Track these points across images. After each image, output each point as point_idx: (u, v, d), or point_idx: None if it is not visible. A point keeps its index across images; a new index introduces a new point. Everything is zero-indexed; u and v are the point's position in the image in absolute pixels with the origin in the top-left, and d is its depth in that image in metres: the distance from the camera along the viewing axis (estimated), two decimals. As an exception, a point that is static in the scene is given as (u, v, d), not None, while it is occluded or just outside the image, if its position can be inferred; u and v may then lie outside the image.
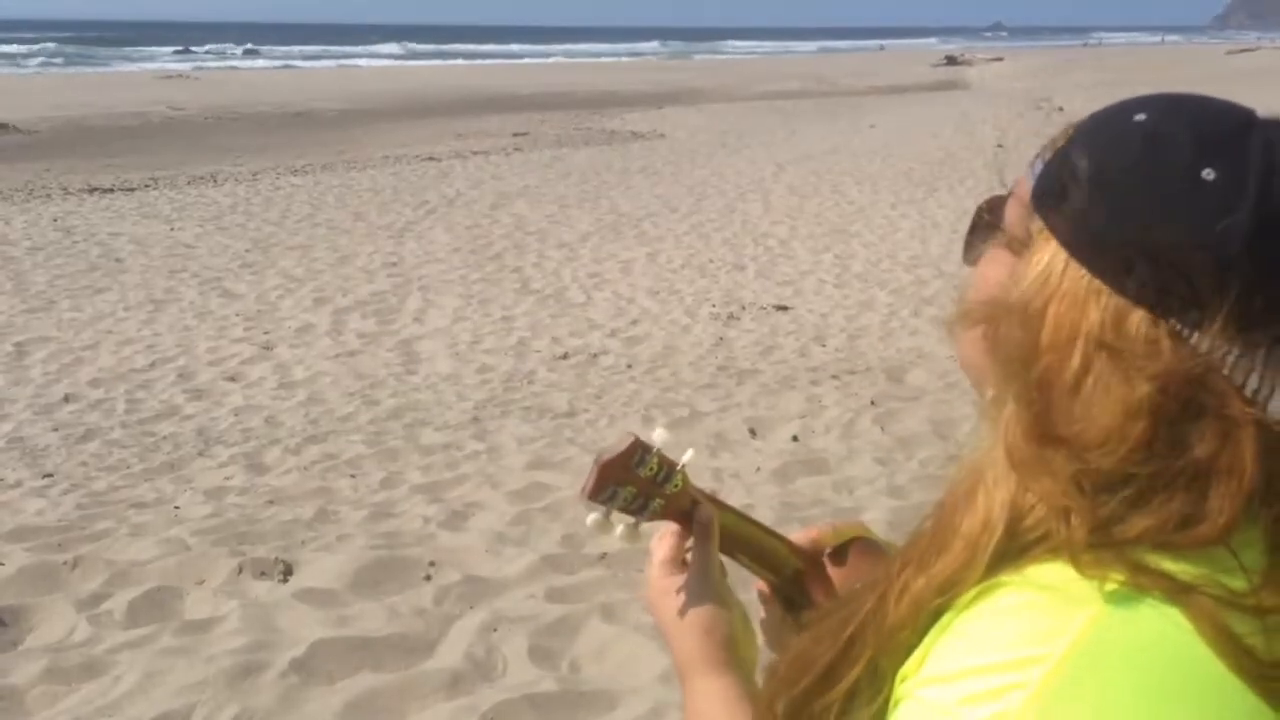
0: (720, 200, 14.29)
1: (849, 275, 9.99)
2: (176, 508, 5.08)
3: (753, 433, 5.96)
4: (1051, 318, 0.76)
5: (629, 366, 7.40)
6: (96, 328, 8.55)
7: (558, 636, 3.81)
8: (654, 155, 19.28)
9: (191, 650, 3.73)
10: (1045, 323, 0.76)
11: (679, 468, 1.06)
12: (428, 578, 4.28)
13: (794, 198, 14.33)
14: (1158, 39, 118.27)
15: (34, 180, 16.38)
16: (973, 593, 0.75)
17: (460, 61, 72.53)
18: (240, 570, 4.32)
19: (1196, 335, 0.72)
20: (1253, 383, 0.73)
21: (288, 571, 4.34)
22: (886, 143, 20.00)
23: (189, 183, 16.13)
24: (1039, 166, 0.84)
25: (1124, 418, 0.72)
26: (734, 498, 4.98)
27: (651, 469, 1.04)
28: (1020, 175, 0.88)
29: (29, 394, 6.96)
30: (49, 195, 14.96)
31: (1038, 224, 0.80)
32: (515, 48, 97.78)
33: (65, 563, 4.40)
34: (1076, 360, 0.74)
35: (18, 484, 5.49)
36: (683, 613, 1.07)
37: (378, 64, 66.95)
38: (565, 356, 7.67)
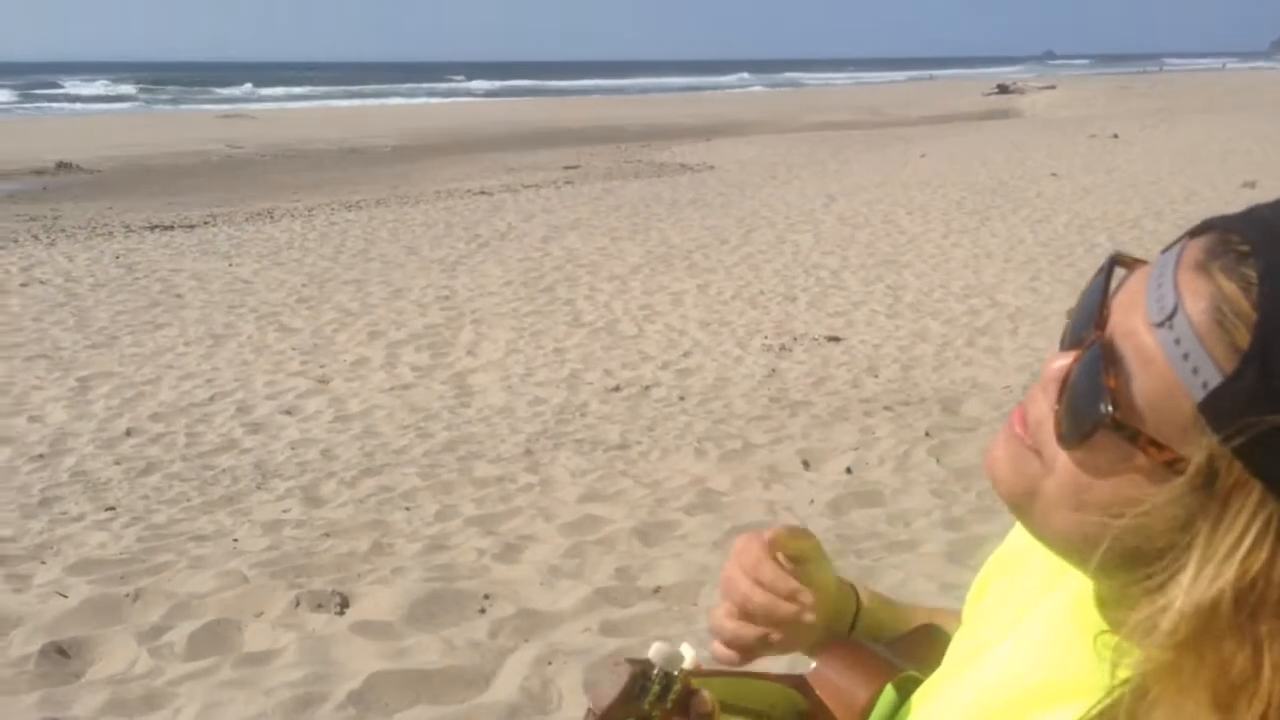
0: (770, 231, 14.28)
1: (901, 305, 9.94)
2: (235, 540, 5.14)
3: (806, 465, 5.93)
4: (1274, 610, 0.58)
5: (681, 398, 7.40)
6: (157, 362, 8.70)
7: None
8: (704, 187, 19.33)
9: (250, 682, 3.77)
10: (1263, 619, 0.59)
11: (677, 675, 0.97)
12: (482, 610, 4.29)
13: (845, 228, 14.29)
14: (1220, 64, 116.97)
15: (97, 218, 16.75)
16: None
17: (520, 98, 73.30)
18: (298, 603, 4.36)
19: None
20: None
21: (344, 604, 4.37)
22: (938, 172, 19.92)
23: (247, 219, 16.41)
24: (1190, 343, 0.61)
25: None
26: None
27: (653, 693, 0.95)
28: (1135, 318, 0.65)
29: (92, 428, 7.09)
30: (111, 233, 15.28)
31: (1226, 458, 0.60)
32: (596, 83, 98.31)
33: (127, 595, 4.46)
34: None
35: (80, 517, 5.59)
36: None
37: (426, 101, 67.86)
38: (617, 389, 7.69)
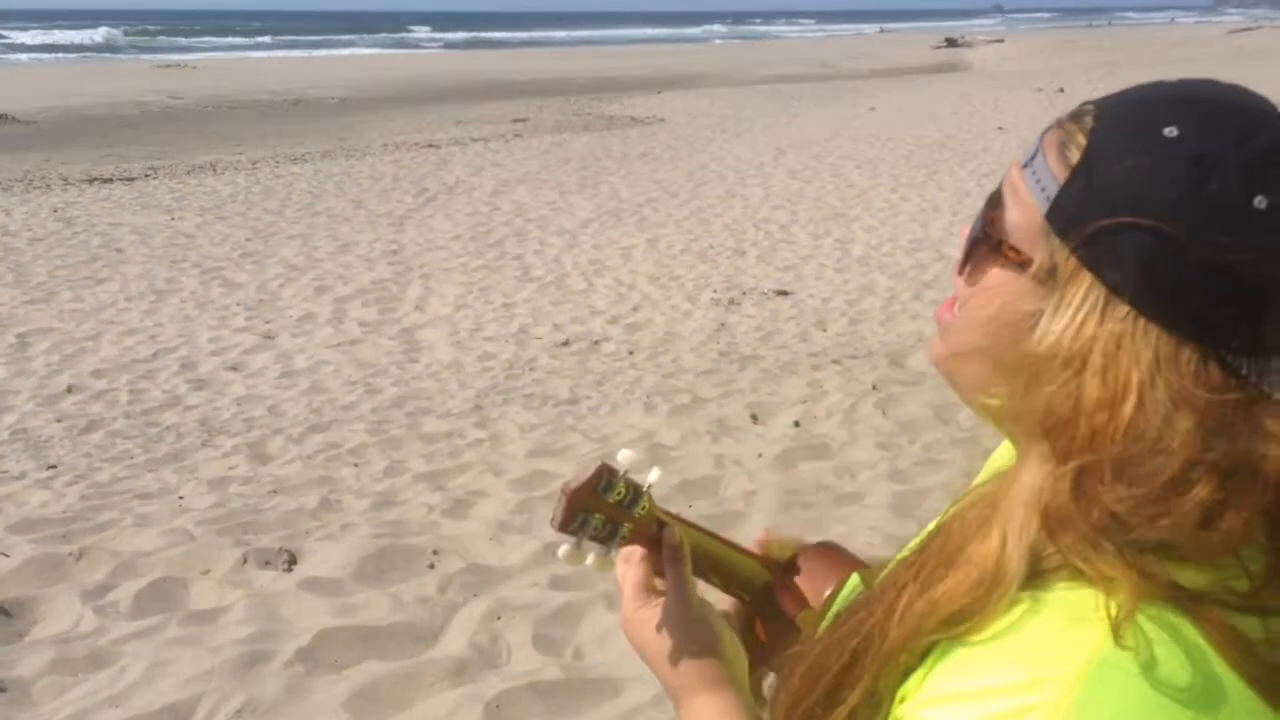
0: (720, 185, 14.27)
1: (850, 260, 9.99)
2: (181, 498, 5.10)
3: (754, 418, 5.96)
4: (1097, 367, 0.72)
5: (630, 353, 7.40)
6: (98, 318, 8.56)
7: (561, 624, 3.83)
8: (654, 140, 19.25)
9: (197, 640, 3.75)
10: (1089, 373, 0.72)
11: (645, 489, 1.05)
12: (431, 566, 4.30)
13: (794, 182, 14.31)
14: (1168, 19, 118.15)
15: (34, 170, 16.38)
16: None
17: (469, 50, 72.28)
18: (245, 560, 4.34)
19: (1244, 360, 0.71)
20: None
21: (292, 561, 4.35)
22: (886, 126, 19.97)
23: (189, 172, 16.12)
24: (1042, 170, 0.78)
25: (1183, 462, 0.69)
26: (736, 484, 5.00)
27: (619, 493, 1.03)
28: (1013, 169, 0.82)
29: (32, 385, 6.98)
30: (49, 186, 14.95)
31: (1063, 253, 0.74)
32: (555, 34, 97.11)
33: (70, 554, 4.41)
34: (1128, 411, 0.70)
35: (22, 475, 5.51)
36: (667, 637, 1.04)
37: (376, 52, 66.80)
38: (567, 343, 7.68)
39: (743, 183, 14.44)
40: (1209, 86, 0.79)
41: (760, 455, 5.41)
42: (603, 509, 1.03)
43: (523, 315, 8.47)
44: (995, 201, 0.82)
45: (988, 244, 0.81)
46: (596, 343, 7.69)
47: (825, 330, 7.81)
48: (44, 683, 3.55)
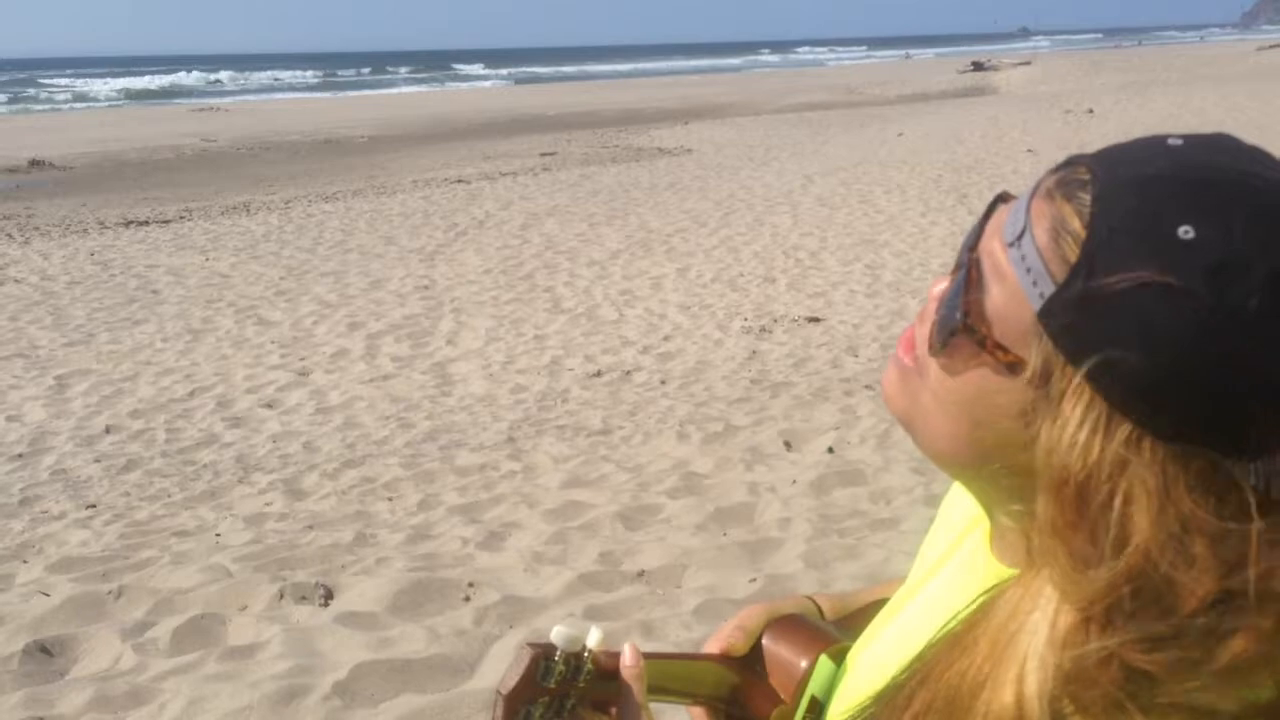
0: (749, 214, 14.29)
1: (880, 285, 9.96)
2: (218, 535, 5.13)
3: (788, 445, 5.94)
4: (1104, 502, 0.65)
5: (662, 382, 7.41)
6: (135, 359, 8.66)
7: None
8: (681, 171, 19.32)
9: (235, 676, 3.77)
10: (1094, 507, 0.65)
11: (586, 655, 0.99)
12: (467, 599, 4.30)
13: (823, 209, 14.31)
14: (1197, 36, 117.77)
15: (71, 215, 16.63)
16: None
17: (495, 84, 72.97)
18: (281, 595, 4.36)
19: (1251, 470, 0.64)
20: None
21: (328, 596, 4.37)
22: (914, 151, 19.95)
23: (223, 213, 16.32)
24: (1032, 257, 0.68)
25: (1199, 599, 0.63)
26: (771, 511, 4.98)
27: (559, 673, 0.97)
28: (994, 243, 0.72)
29: (70, 426, 7.06)
30: (86, 230, 15.18)
31: (1059, 360, 0.66)
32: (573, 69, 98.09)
33: (110, 592, 4.45)
34: (1142, 550, 0.63)
35: (62, 515, 5.57)
36: None
37: (411, 90, 67.56)
38: (599, 374, 7.69)
39: (771, 210, 14.45)
40: (1226, 158, 0.68)
41: (794, 482, 5.39)
42: (544, 694, 0.97)
43: (554, 347, 8.49)
44: (972, 283, 0.72)
45: (971, 337, 0.71)
46: (628, 373, 7.69)
47: (857, 356, 7.78)
48: (85, 720, 3.58)
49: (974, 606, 0.75)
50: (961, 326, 0.72)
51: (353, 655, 3.86)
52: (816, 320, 8.82)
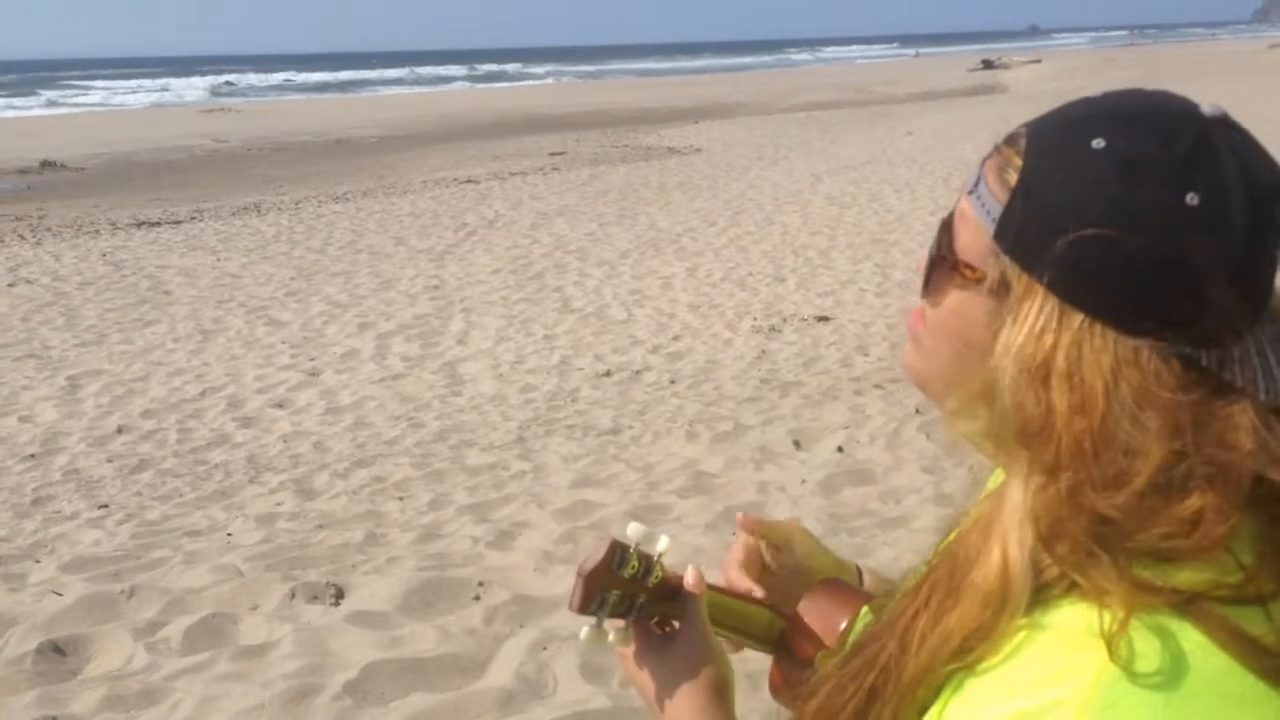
0: (758, 213, 14.28)
1: (890, 284, 9.95)
2: (229, 535, 5.15)
3: (797, 445, 5.94)
4: (1062, 375, 0.74)
5: (672, 382, 7.41)
6: (147, 359, 8.69)
7: (608, 654, 3.81)
8: (691, 170, 19.31)
9: (247, 675, 3.78)
10: (1054, 381, 0.74)
11: (656, 559, 1.05)
12: (477, 598, 4.31)
13: (832, 208, 14.30)
14: (1210, 34, 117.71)
15: (82, 216, 16.69)
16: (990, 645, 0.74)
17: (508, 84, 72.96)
18: (293, 595, 4.37)
19: (1203, 353, 0.73)
20: (1249, 375, 0.74)
21: (339, 595, 4.38)
22: (924, 149, 19.92)
23: (233, 213, 16.37)
24: (985, 195, 0.81)
25: (1158, 461, 0.71)
26: (780, 511, 4.98)
27: (633, 567, 1.03)
28: (961, 198, 0.85)
29: (83, 426, 7.09)
30: (98, 230, 15.23)
31: (1014, 269, 0.77)
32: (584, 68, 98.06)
33: (122, 592, 4.47)
34: (1098, 415, 0.72)
35: (74, 515, 5.59)
36: (684, 675, 1.04)
37: (420, 90, 67.61)
38: (608, 374, 7.70)
39: (780, 210, 14.44)
40: (1133, 96, 0.80)
41: (804, 481, 5.39)
42: (619, 584, 1.03)
43: (564, 347, 8.50)
44: (947, 227, 0.85)
45: (944, 264, 0.84)
46: (638, 372, 7.70)
47: (867, 355, 7.78)
48: (98, 719, 3.59)
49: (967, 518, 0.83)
50: (936, 256, 0.85)
51: (363, 654, 3.87)
52: (826, 319, 8.81)
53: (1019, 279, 0.77)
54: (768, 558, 1.22)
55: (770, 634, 1.13)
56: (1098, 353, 0.73)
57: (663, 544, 1.07)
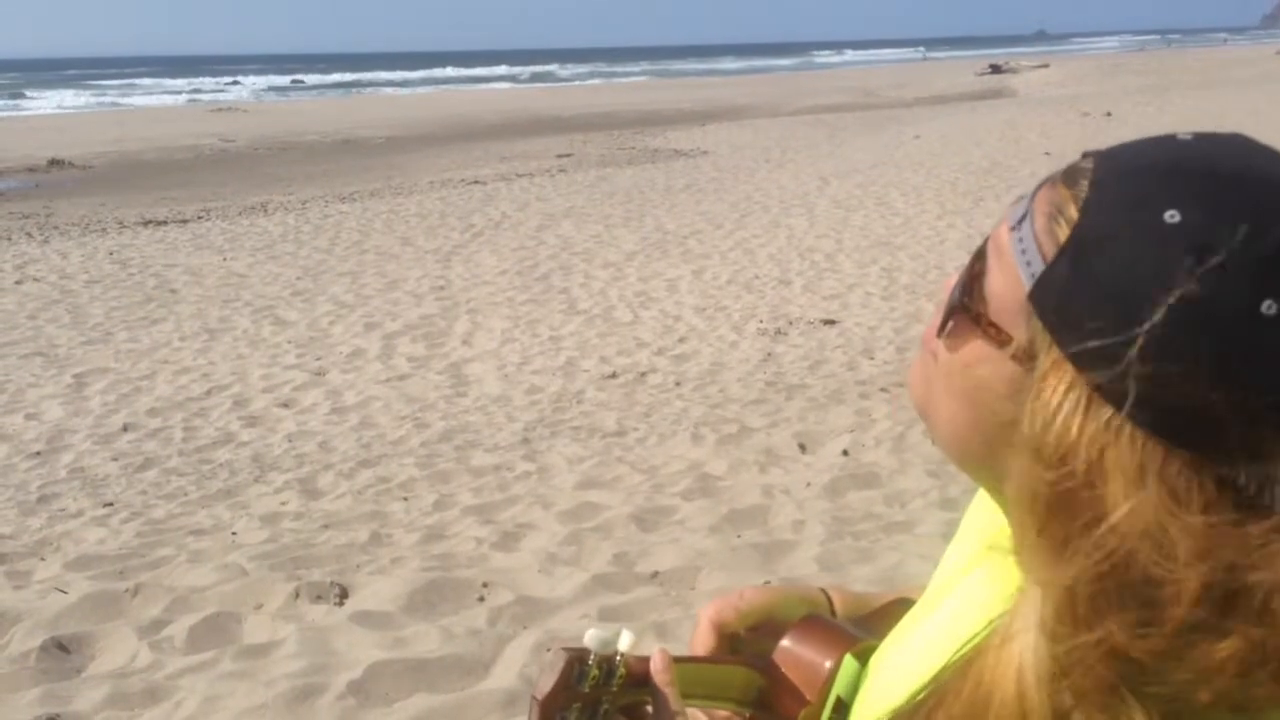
0: (765, 216, 14.28)
1: (896, 287, 9.94)
2: (234, 534, 5.16)
3: (802, 448, 5.94)
4: (1081, 471, 0.64)
5: (677, 384, 7.41)
6: (153, 358, 8.70)
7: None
8: (698, 173, 19.31)
9: (251, 674, 3.79)
10: (1075, 473, 0.64)
11: (619, 659, 0.99)
12: (481, 599, 4.31)
13: (839, 211, 14.29)
14: (1221, 39, 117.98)
15: (90, 215, 16.73)
16: None
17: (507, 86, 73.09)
18: (297, 594, 4.37)
19: (1242, 470, 0.62)
20: None
21: (343, 595, 4.38)
22: (931, 153, 19.90)
23: (240, 213, 16.39)
24: (1028, 239, 0.70)
25: (1190, 594, 0.62)
26: (785, 514, 4.98)
27: (594, 677, 0.97)
28: (1002, 228, 0.74)
29: (88, 424, 7.10)
30: (105, 229, 15.26)
31: (1044, 339, 0.67)
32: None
33: (126, 590, 4.47)
34: (1119, 525, 0.63)
35: (79, 513, 5.60)
36: None
37: (427, 90, 67.74)
38: (613, 375, 7.70)
39: (787, 213, 14.44)
40: (1230, 151, 0.68)
41: (809, 484, 5.38)
42: (579, 698, 0.97)
43: (569, 348, 8.50)
44: (980, 257, 0.75)
45: (967, 315, 0.74)
46: (643, 374, 7.70)
47: (873, 358, 7.77)
48: (101, 717, 3.60)
49: (989, 630, 0.74)
50: (960, 305, 0.74)
51: (367, 654, 3.88)
52: (832, 322, 8.81)
53: (1048, 351, 0.67)
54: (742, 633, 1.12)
55: (748, 694, 1.07)
56: (1123, 456, 0.63)
57: (625, 643, 0.99)
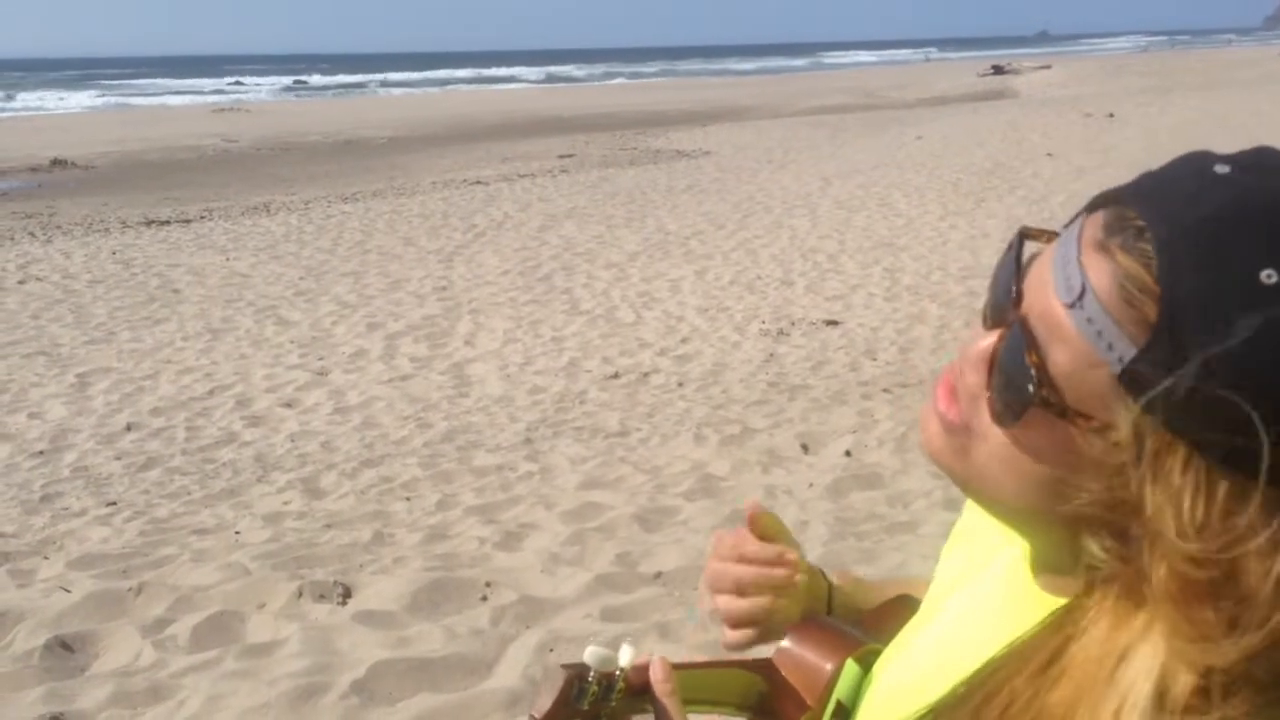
0: (767, 216, 14.28)
1: (899, 288, 9.94)
2: (237, 533, 5.16)
3: (805, 449, 5.94)
4: (1223, 568, 0.61)
5: (680, 385, 7.41)
6: (156, 357, 8.71)
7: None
8: (700, 173, 19.31)
9: (254, 673, 3.79)
10: (1214, 574, 0.61)
11: (618, 674, 0.98)
12: (484, 598, 4.31)
13: (841, 212, 14.29)
14: (1225, 40, 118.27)
15: (93, 214, 16.74)
16: None
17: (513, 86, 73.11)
18: (300, 594, 4.38)
19: None
20: None
21: (347, 594, 4.39)
22: (933, 154, 19.89)
23: (243, 213, 16.40)
24: (1099, 317, 0.64)
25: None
26: (788, 514, 4.98)
27: (593, 693, 0.96)
28: (1053, 302, 0.67)
29: (92, 424, 7.11)
30: (108, 229, 15.27)
31: (1148, 421, 0.63)
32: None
33: (130, 589, 4.48)
34: (1253, 589, 0.60)
35: (83, 512, 5.60)
36: None
37: (429, 91, 67.76)
38: (616, 376, 7.70)
39: (789, 213, 14.43)
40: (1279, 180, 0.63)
41: (811, 485, 5.39)
42: (578, 715, 0.96)
43: (572, 349, 8.50)
44: (1030, 337, 0.68)
45: (1049, 409, 0.67)
46: (646, 375, 7.70)
47: (875, 359, 7.77)
48: (104, 716, 3.60)
49: (1037, 632, 0.73)
50: (1039, 398, 0.67)
51: (370, 654, 3.88)
52: (834, 323, 8.81)
53: (1156, 433, 0.62)
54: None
55: (749, 698, 1.07)
56: (1255, 525, 0.60)
57: (625, 658, 0.98)
